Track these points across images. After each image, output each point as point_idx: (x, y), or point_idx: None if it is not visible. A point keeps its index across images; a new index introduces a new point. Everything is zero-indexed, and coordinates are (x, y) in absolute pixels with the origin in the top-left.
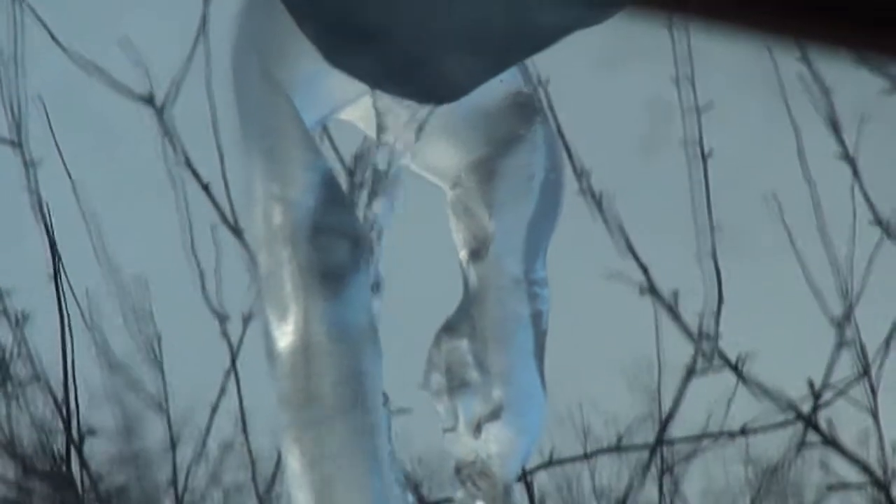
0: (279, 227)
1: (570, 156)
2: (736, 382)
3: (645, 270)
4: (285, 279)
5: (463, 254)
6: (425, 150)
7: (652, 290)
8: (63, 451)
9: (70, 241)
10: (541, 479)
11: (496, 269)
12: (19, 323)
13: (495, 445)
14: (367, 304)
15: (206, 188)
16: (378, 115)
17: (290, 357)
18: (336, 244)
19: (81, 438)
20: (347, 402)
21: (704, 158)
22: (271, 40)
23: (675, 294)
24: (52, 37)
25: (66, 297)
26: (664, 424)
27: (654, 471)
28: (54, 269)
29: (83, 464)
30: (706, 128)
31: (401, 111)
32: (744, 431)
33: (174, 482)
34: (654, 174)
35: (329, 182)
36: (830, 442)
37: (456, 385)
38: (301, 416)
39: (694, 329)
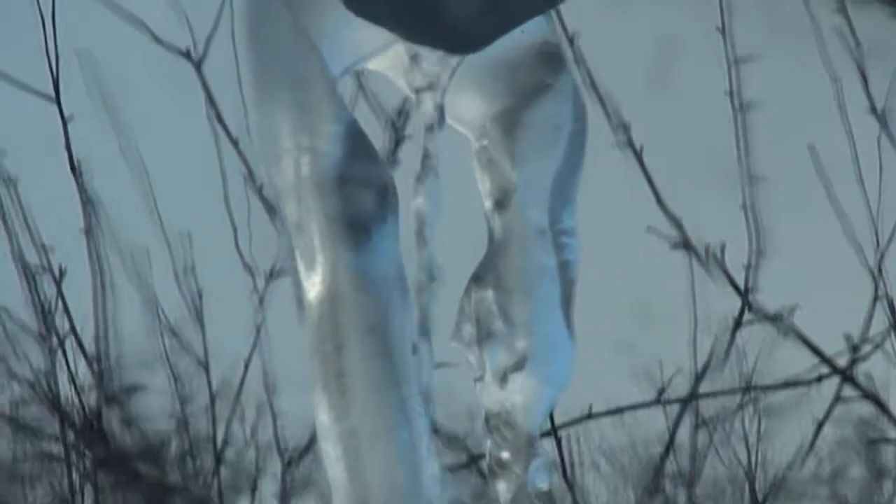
0: (307, 178)
1: (605, 109)
2: (776, 336)
3: (679, 224)
4: (313, 229)
5: (488, 204)
6: (451, 101)
7: (686, 244)
8: (96, 407)
9: (111, 197)
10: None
11: (519, 220)
12: (58, 279)
13: (520, 396)
14: (395, 255)
15: (235, 143)
16: (408, 62)
17: (318, 307)
18: (362, 194)
19: (116, 394)
20: (375, 352)
21: (743, 109)
22: None
23: (722, 247)
24: None
25: (103, 253)
26: (699, 377)
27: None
28: (88, 225)
29: (124, 419)
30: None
31: (430, 60)
32: (786, 385)
33: (213, 438)
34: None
35: (355, 133)
36: (869, 396)
37: (483, 335)
38: (328, 366)
39: (737, 282)
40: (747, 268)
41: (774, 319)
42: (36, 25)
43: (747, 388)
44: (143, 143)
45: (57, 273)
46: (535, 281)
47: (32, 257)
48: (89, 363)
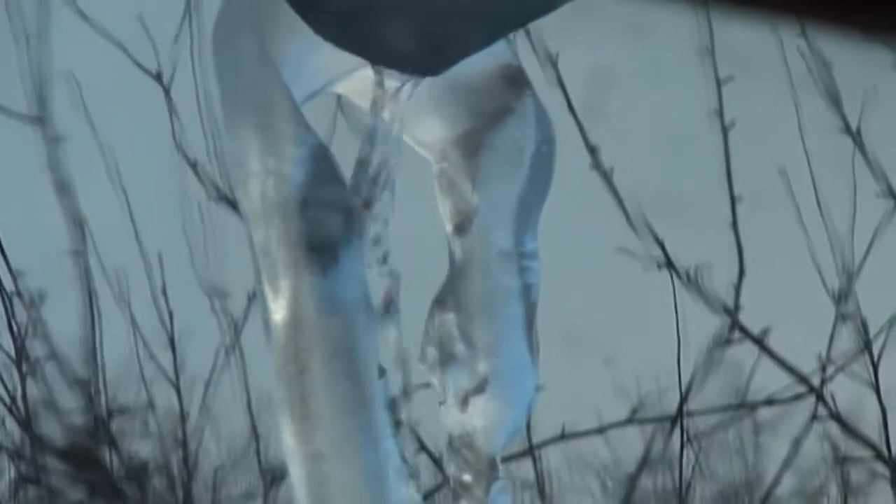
0: (271, 202)
1: (581, 130)
2: (756, 356)
3: (662, 245)
4: (277, 253)
5: (448, 228)
6: (412, 124)
7: (669, 264)
8: (85, 429)
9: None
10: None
11: (481, 243)
12: (35, 303)
13: (480, 419)
14: (360, 277)
15: (193, 166)
16: (376, 84)
17: (282, 331)
18: (326, 217)
19: (109, 415)
20: (339, 375)
21: (725, 130)
22: (261, 15)
23: (697, 269)
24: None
25: (90, 274)
26: (684, 397)
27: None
28: (82, 246)
29: (112, 441)
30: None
31: (391, 83)
32: (765, 403)
33: (185, 458)
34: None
35: (319, 156)
36: (836, 417)
37: (445, 358)
38: (292, 389)
39: (713, 302)
40: (736, 287)
41: (758, 340)
42: (17, 46)
43: (735, 406)
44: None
45: (35, 297)
46: (499, 304)
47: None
48: (78, 386)
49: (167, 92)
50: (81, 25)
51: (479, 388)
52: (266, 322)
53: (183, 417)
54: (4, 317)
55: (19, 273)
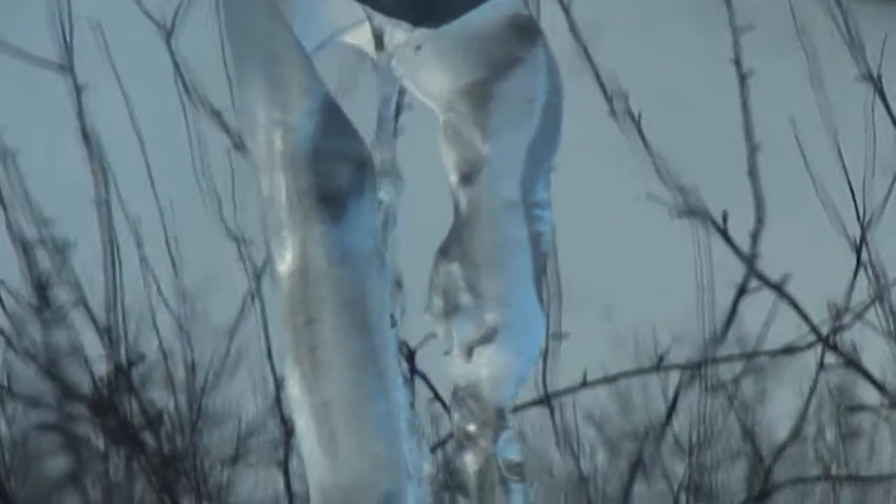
0: (279, 153)
1: (598, 79)
2: (771, 305)
3: (684, 191)
4: (285, 204)
5: (454, 178)
6: (419, 74)
7: (693, 210)
8: (106, 377)
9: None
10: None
11: (489, 193)
12: (61, 249)
13: (487, 369)
14: (371, 228)
15: (217, 114)
16: (375, 37)
17: (289, 280)
18: (336, 168)
19: (129, 363)
20: (348, 325)
21: (743, 78)
22: None
23: (724, 215)
24: None
25: (111, 223)
26: (709, 344)
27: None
28: (104, 194)
29: (131, 389)
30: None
31: (398, 33)
32: (784, 351)
33: (197, 408)
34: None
35: (329, 107)
36: (850, 362)
37: (450, 308)
38: (300, 340)
39: (741, 249)
40: (752, 235)
41: (777, 287)
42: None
43: (749, 355)
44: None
45: (59, 245)
46: (506, 254)
47: (33, 231)
48: (100, 334)
49: (168, 41)
50: None
51: (486, 339)
52: (271, 272)
53: (193, 367)
54: (26, 265)
55: (47, 221)
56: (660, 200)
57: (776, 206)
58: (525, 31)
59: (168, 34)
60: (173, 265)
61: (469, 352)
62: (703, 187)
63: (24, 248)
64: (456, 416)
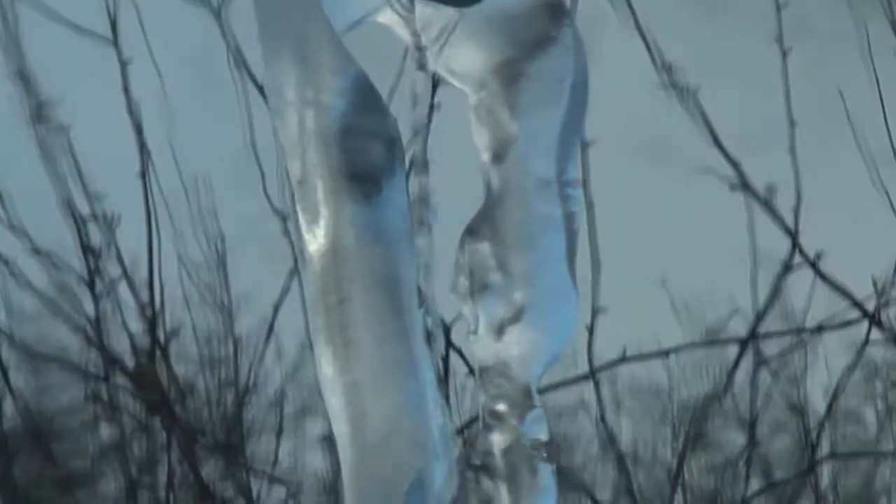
0: (311, 131)
1: (650, 51)
2: (813, 280)
3: (736, 165)
4: (316, 182)
5: (485, 157)
6: (450, 54)
7: (744, 184)
8: (147, 350)
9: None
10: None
11: (520, 171)
12: (110, 224)
13: (517, 347)
14: (402, 208)
15: (261, 89)
16: (407, 17)
17: (320, 260)
18: (368, 147)
19: (166, 339)
20: (380, 305)
21: (784, 54)
22: None
23: (773, 189)
24: None
25: (154, 197)
26: (757, 319)
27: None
28: (143, 169)
29: (167, 362)
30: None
31: (430, 13)
32: (837, 326)
33: (235, 383)
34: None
35: (362, 86)
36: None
37: (478, 288)
38: (332, 319)
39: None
40: (794, 210)
41: (815, 263)
42: None
43: (799, 330)
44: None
45: (108, 220)
46: (538, 232)
47: (84, 205)
48: (141, 309)
49: (217, 15)
50: None
51: (517, 317)
52: (301, 252)
53: (235, 343)
54: (78, 239)
55: (98, 196)
56: (719, 175)
57: (821, 182)
58: (555, 10)
59: (217, 10)
60: (208, 238)
61: (500, 330)
62: (749, 163)
63: (76, 223)
64: (483, 396)
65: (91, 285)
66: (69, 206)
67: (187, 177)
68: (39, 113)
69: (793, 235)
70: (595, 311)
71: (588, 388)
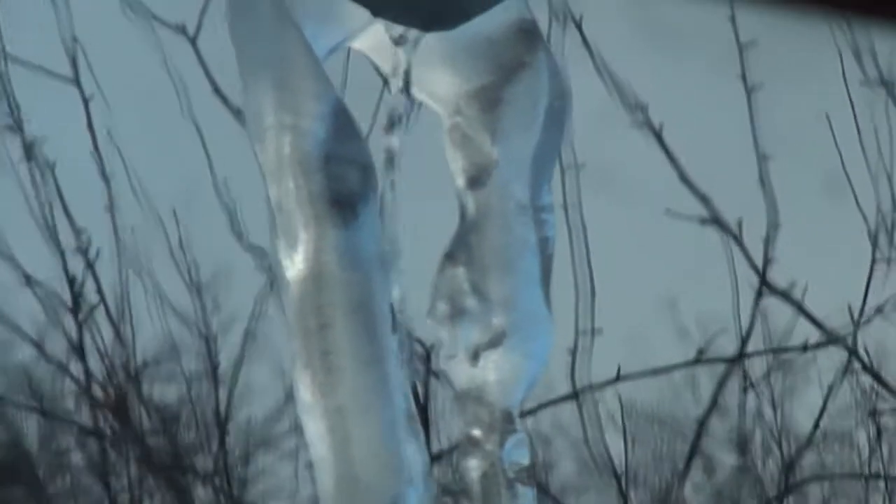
0: (289, 157)
1: (619, 91)
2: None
3: (706, 201)
4: (296, 208)
5: (461, 181)
6: (426, 78)
7: (715, 219)
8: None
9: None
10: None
11: (499, 196)
12: (89, 261)
13: (495, 372)
14: (377, 233)
15: (236, 115)
16: (382, 41)
17: (299, 285)
18: (347, 172)
19: (138, 370)
20: (359, 330)
21: (749, 92)
22: None
23: (739, 224)
24: None
25: (119, 231)
26: (744, 341)
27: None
28: (110, 203)
29: (140, 394)
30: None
31: (403, 38)
32: (804, 348)
33: (216, 411)
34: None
35: (339, 112)
36: (869, 369)
37: (455, 313)
38: (312, 344)
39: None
40: (765, 241)
41: (785, 294)
42: (45, 9)
43: (776, 350)
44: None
45: (85, 251)
46: (515, 256)
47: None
48: (119, 338)
49: (193, 43)
50: None
51: (494, 342)
52: (279, 278)
53: (214, 370)
54: (63, 270)
55: (81, 230)
56: (680, 215)
57: (794, 213)
58: (529, 35)
59: (193, 38)
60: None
61: (475, 356)
62: (720, 197)
63: (62, 255)
64: (459, 422)
65: (75, 313)
66: (53, 239)
67: (162, 208)
68: (27, 151)
69: (761, 270)
70: (589, 333)
71: (581, 408)
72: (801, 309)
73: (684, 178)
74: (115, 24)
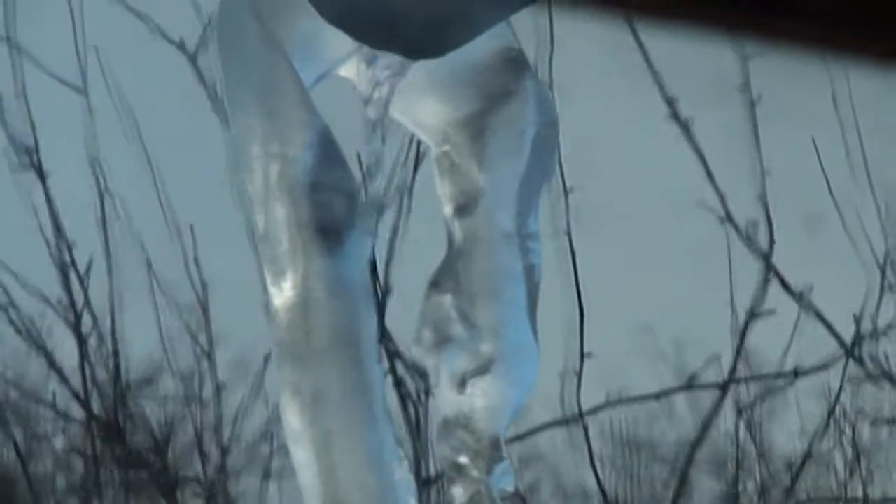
0: (277, 185)
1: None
2: (796, 321)
3: (722, 198)
4: (282, 236)
5: (448, 209)
6: (414, 106)
7: (729, 218)
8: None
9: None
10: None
11: (486, 224)
12: (82, 279)
13: (482, 399)
14: (363, 260)
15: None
16: (365, 69)
17: (287, 313)
18: (334, 200)
19: (128, 387)
20: (347, 358)
21: (753, 104)
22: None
23: (749, 224)
24: None
25: (119, 244)
26: (735, 363)
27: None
28: (102, 216)
29: (127, 414)
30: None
31: (387, 65)
32: (796, 373)
33: (217, 429)
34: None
35: (326, 140)
36: (873, 376)
37: (441, 340)
38: (299, 372)
39: (760, 256)
40: (765, 256)
41: (799, 295)
42: (63, 20)
43: (787, 373)
44: (152, 134)
45: (83, 267)
46: (502, 284)
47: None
48: (113, 356)
49: (193, 60)
50: None
51: (482, 370)
52: (267, 305)
53: (218, 390)
54: (63, 286)
55: (73, 244)
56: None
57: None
58: (516, 64)
59: (193, 55)
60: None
61: (462, 383)
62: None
63: (63, 271)
64: (445, 449)
65: (76, 328)
66: (54, 257)
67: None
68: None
69: (769, 271)
70: (581, 357)
71: (574, 433)
72: (818, 316)
73: (709, 174)
74: (122, 35)
